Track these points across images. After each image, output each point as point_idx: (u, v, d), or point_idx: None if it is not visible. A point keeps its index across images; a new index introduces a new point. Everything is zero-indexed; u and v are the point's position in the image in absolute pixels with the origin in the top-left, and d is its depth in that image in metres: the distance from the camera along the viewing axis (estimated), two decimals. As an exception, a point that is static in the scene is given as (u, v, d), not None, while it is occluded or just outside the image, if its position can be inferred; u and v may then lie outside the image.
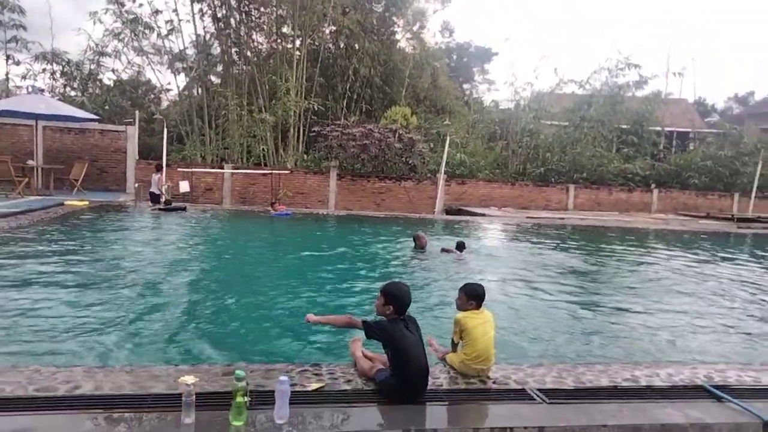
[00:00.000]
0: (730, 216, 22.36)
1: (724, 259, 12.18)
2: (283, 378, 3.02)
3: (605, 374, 4.06)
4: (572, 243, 13.54)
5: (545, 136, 25.53)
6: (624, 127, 26.65)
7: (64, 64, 21.72)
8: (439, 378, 3.76)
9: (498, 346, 4.04)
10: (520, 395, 3.59)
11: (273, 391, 3.06)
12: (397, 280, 4.11)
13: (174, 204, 15.23)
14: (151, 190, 15.72)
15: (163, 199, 15.59)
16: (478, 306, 4.00)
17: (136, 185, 16.83)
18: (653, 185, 24.49)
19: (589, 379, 3.94)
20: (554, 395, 3.58)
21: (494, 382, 3.77)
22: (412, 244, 10.47)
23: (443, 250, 10.22)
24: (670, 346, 5.49)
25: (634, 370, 4.19)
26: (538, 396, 3.56)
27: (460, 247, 10.19)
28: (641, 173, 24.77)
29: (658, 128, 28.37)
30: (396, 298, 3.55)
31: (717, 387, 3.84)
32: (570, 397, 3.60)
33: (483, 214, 18.73)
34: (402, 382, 3.36)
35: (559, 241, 13.49)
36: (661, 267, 10.54)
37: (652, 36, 65.02)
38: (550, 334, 5.66)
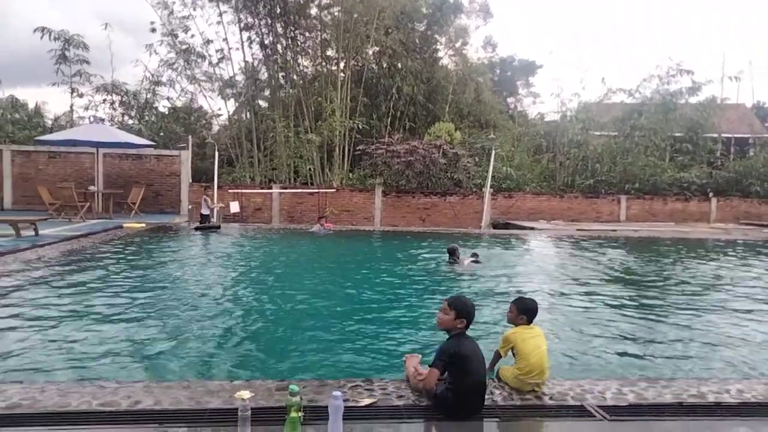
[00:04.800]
0: (798, 224, 21.11)
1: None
2: (337, 393, 3.02)
3: (668, 390, 3.86)
4: (629, 254, 13.06)
5: (594, 146, 24.88)
6: (678, 135, 25.66)
7: (122, 94, 22.88)
8: (493, 393, 3.67)
9: (552, 359, 3.92)
10: (579, 412, 3.45)
11: (326, 407, 3.06)
12: (459, 294, 4.05)
13: (209, 224, 15.64)
14: (201, 211, 16.18)
15: (213, 219, 16.10)
16: (530, 321, 3.91)
17: (190, 207, 17.44)
18: (711, 194, 23.44)
19: (651, 395, 3.76)
20: (615, 412, 3.43)
21: (551, 398, 3.65)
22: (447, 257, 10.50)
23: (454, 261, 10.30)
24: (737, 361, 5.17)
25: (701, 385, 3.96)
26: (598, 413, 3.41)
27: (453, 252, 10.30)
28: (698, 182, 23.75)
29: (715, 135, 27.15)
30: (468, 311, 3.54)
31: (794, 404, 3.59)
32: (632, 414, 3.44)
33: (532, 228, 18.36)
34: (461, 396, 3.29)
35: (614, 252, 13.04)
36: (724, 277, 10.02)
37: (702, 30, 62.60)
38: (607, 346, 5.45)
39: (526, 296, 4.26)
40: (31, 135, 20.71)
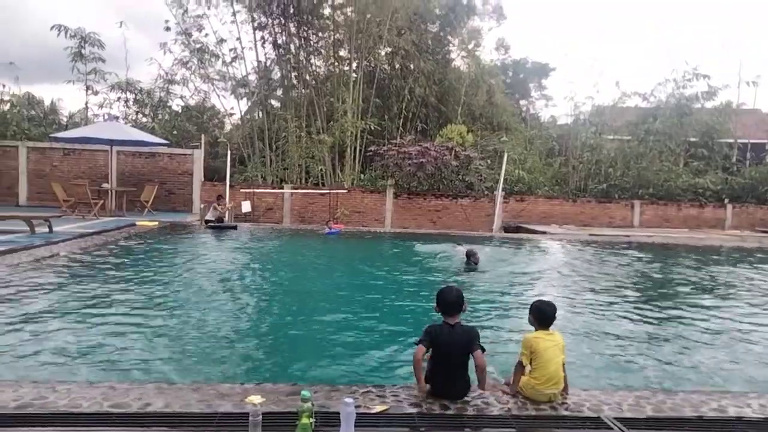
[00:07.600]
0: (815, 232, 20.76)
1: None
2: (349, 400, 2.98)
3: (688, 403, 3.77)
4: (644, 260, 12.90)
5: (607, 150, 24.66)
6: (693, 140, 25.36)
7: (136, 92, 23.01)
8: (508, 403, 3.60)
9: (567, 367, 3.84)
10: (595, 423, 3.38)
11: (337, 413, 3.02)
12: (451, 285, 4.03)
13: (225, 223, 15.71)
14: (207, 217, 15.97)
15: (225, 219, 16.11)
16: (547, 327, 3.82)
17: (202, 206, 17.48)
18: (726, 200, 23.13)
19: (670, 407, 3.67)
20: (633, 425, 3.35)
21: (567, 409, 3.57)
22: (465, 260, 10.50)
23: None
24: (759, 374, 5.06)
25: (721, 399, 3.87)
26: (615, 425, 3.34)
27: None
28: (713, 188, 23.42)
29: (730, 140, 26.82)
30: (438, 298, 3.79)
31: (818, 420, 3.49)
32: (651, 427, 3.36)
33: (544, 232, 18.20)
34: (431, 370, 3.63)
35: (630, 259, 12.89)
36: (742, 286, 9.86)
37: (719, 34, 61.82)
38: (622, 357, 5.36)
39: (544, 300, 4.15)
40: (46, 132, 20.86)
